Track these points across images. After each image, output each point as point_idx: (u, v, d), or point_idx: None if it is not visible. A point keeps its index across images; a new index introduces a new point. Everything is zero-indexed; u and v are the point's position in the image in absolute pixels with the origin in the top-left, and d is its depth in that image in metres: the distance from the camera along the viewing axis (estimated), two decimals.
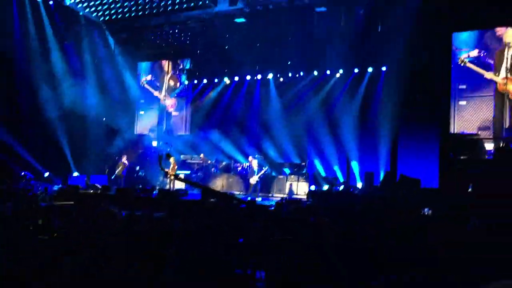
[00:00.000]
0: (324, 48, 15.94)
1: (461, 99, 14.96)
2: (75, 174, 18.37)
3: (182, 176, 17.38)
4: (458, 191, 9.76)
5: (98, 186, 15.65)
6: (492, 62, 14.50)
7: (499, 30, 14.27)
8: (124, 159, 18.49)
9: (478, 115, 14.79)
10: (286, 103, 17.94)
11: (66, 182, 17.11)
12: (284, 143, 17.62)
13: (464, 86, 15.04)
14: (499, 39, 14.32)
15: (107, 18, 18.12)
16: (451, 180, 11.27)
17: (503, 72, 14.18)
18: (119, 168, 18.23)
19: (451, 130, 14.62)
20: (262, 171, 16.21)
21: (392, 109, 14.60)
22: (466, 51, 14.63)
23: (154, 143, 20.14)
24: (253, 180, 16.08)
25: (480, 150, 12.30)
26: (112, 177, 18.31)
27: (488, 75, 14.35)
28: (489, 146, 13.04)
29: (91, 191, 15.28)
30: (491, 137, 13.90)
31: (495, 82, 14.32)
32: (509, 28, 14.09)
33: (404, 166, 14.26)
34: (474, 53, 14.56)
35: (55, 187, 15.88)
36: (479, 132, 14.15)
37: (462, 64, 14.52)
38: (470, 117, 14.83)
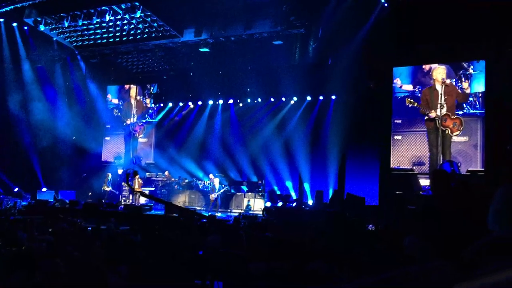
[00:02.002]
0: (280, 77, 16.15)
1: (397, 133, 14.66)
2: (44, 189, 17.81)
3: (147, 192, 17.13)
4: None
5: (66, 201, 15.24)
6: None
7: (427, 67, 14.37)
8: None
9: (413, 150, 14.43)
10: (245, 127, 18.06)
11: (35, 197, 16.58)
12: (243, 163, 17.67)
13: (399, 121, 14.71)
14: (428, 75, 14.35)
15: (79, 43, 17.84)
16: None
17: (442, 110, 13.88)
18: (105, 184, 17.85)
19: (389, 163, 14.32)
20: (222, 190, 16.18)
21: (341, 134, 14.83)
22: (403, 86, 14.61)
23: (120, 171, 18.99)
24: (212, 196, 16.01)
25: (414, 185, 12.09)
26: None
27: (432, 113, 14.03)
28: (423, 182, 12.71)
29: (59, 205, 14.85)
30: (425, 172, 13.63)
31: (430, 119, 14.03)
32: (437, 65, 14.16)
33: (350, 185, 14.48)
34: (410, 87, 14.54)
35: (24, 202, 15.37)
36: (414, 168, 13.89)
37: (410, 105, 14.08)
38: (405, 152, 14.48)
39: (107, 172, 18.62)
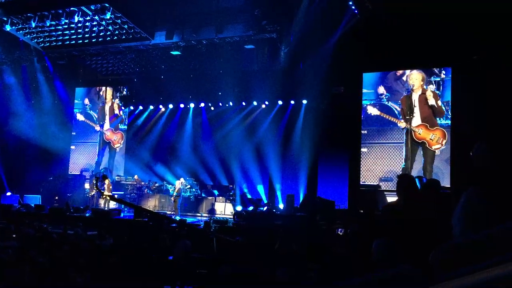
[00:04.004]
0: (252, 81, 16.21)
1: (362, 145, 13.77)
2: (8, 193, 17.31)
3: (116, 196, 16.82)
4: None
5: (31, 205, 14.86)
6: (396, 106, 13.52)
7: (401, 72, 13.91)
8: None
9: (380, 164, 13.36)
10: (216, 130, 18.01)
11: None
12: (214, 166, 17.60)
13: (365, 131, 13.79)
14: (402, 82, 13.77)
15: (46, 44, 17.44)
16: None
17: (416, 120, 12.85)
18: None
19: (359, 173, 13.62)
20: (175, 194, 15.82)
21: (311, 138, 14.95)
22: (371, 93, 14.23)
23: (87, 185, 17.82)
24: (173, 198, 15.79)
25: (380, 203, 11.22)
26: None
27: (402, 124, 13.01)
28: (391, 199, 11.08)
29: (24, 210, 14.47)
30: (393, 189, 11.55)
31: (403, 129, 13.12)
32: (414, 71, 13.70)
33: (322, 189, 14.55)
34: (376, 94, 14.08)
35: None
36: (380, 184, 13.03)
37: (372, 114, 13.44)
38: (372, 166, 13.48)
39: (72, 190, 18.02)
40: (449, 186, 11.87)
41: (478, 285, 1.34)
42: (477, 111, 11.72)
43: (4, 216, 12.25)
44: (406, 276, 1.50)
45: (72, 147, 19.71)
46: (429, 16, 11.69)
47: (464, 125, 12.18)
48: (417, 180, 11.24)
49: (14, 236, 7.59)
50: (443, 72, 13.23)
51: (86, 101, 19.94)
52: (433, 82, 13.35)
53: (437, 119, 13.09)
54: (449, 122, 12.93)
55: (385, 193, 12.06)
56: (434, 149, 12.78)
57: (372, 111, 13.43)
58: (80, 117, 19.70)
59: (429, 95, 13.11)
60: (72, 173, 19.29)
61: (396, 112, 13.84)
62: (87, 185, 17.92)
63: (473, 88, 12.22)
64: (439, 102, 13.05)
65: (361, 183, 13.60)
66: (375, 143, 13.82)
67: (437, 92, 13.20)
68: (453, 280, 1.39)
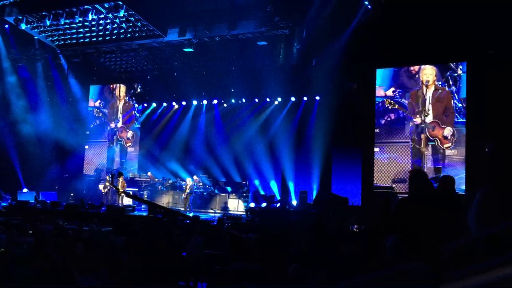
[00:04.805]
0: (265, 78, 16.20)
1: (375, 145, 13.28)
2: (25, 190, 17.55)
3: (130, 193, 16.94)
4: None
5: (47, 202, 15.04)
6: (406, 102, 13.11)
7: (414, 68, 13.61)
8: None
9: (393, 164, 12.83)
10: (229, 127, 18.07)
11: (16, 198, 16.34)
12: (227, 163, 17.64)
13: (377, 130, 13.26)
14: (414, 77, 13.47)
15: (61, 43, 17.63)
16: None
17: (428, 116, 12.39)
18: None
19: (372, 174, 13.24)
20: (188, 191, 15.77)
21: (325, 135, 14.90)
22: (383, 89, 13.92)
23: (101, 186, 17.67)
24: (184, 195, 15.77)
25: (393, 206, 11.01)
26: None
27: (418, 119, 12.41)
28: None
29: (40, 206, 14.66)
30: (406, 191, 11.60)
31: (413, 127, 12.59)
32: (426, 66, 13.37)
33: (336, 185, 14.48)
34: (389, 92, 13.74)
35: (4, 203, 15.14)
36: (393, 185, 12.58)
37: (390, 107, 12.95)
38: (384, 166, 12.96)
39: (87, 188, 18.10)
40: (464, 187, 11.44)
41: (488, 284, 1.33)
42: (494, 108, 11.30)
43: (20, 213, 12.44)
44: (417, 274, 1.50)
45: (86, 146, 19.86)
46: (444, 10, 11.50)
47: (480, 123, 11.79)
48: (432, 181, 11.10)
49: (30, 232, 7.71)
50: (460, 67, 12.78)
51: (98, 103, 20.04)
52: (449, 77, 12.88)
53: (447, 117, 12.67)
54: (464, 119, 12.51)
55: (399, 195, 11.67)
56: (445, 147, 12.39)
57: (390, 104, 13.00)
58: (95, 111, 19.86)
59: (447, 95, 12.56)
60: (87, 173, 19.42)
61: None
62: (101, 186, 18.04)
63: (489, 84, 11.82)
64: (453, 102, 12.62)
65: (374, 184, 13.33)
66: (386, 142, 13.48)
67: (453, 88, 12.79)
68: (464, 279, 1.39)
